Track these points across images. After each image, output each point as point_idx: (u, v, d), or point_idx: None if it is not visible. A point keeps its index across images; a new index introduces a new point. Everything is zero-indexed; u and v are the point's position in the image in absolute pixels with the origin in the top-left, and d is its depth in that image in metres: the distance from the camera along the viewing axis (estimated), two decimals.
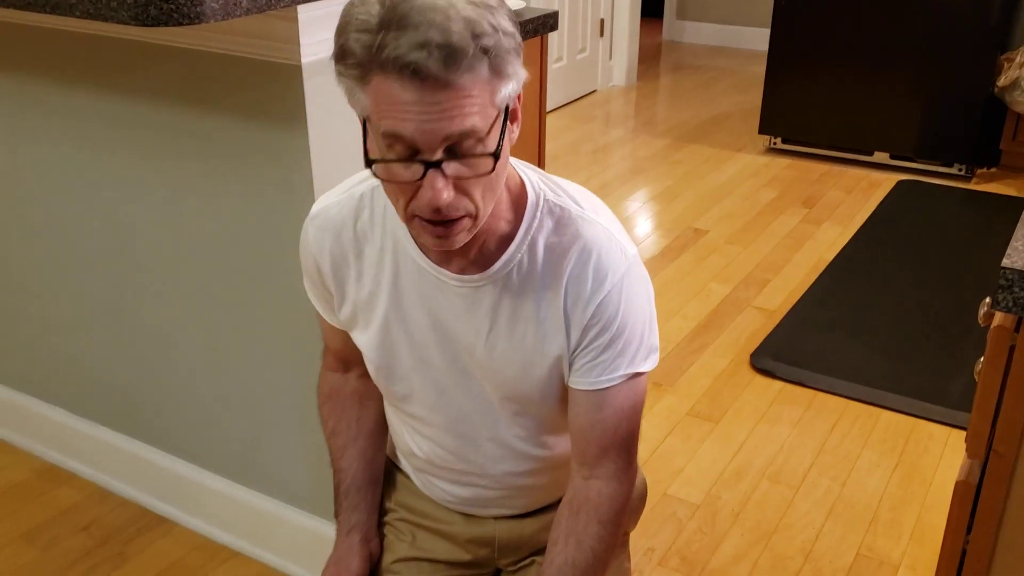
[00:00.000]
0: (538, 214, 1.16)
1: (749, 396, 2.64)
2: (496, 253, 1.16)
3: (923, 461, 2.35)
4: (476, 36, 0.95)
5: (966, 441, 1.04)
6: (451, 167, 1.01)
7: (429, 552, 1.46)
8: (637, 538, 2.09)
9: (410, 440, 1.39)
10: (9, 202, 2.11)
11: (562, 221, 1.16)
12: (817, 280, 3.29)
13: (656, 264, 3.44)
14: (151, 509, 2.17)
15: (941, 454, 2.38)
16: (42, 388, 2.31)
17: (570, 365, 1.20)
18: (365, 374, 1.41)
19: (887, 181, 4.21)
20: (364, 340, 1.29)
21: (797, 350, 2.84)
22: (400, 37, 0.94)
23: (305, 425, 1.83)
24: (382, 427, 1.44)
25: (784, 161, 4.49)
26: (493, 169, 1.03)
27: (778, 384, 2.69)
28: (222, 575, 1.99)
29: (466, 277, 1.17)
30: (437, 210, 1.02)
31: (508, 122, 1.03)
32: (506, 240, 1.16)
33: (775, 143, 4.61)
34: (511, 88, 1.01)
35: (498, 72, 0.99)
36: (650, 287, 1.21)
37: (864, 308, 3.09)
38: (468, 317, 1.20)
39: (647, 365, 1.23)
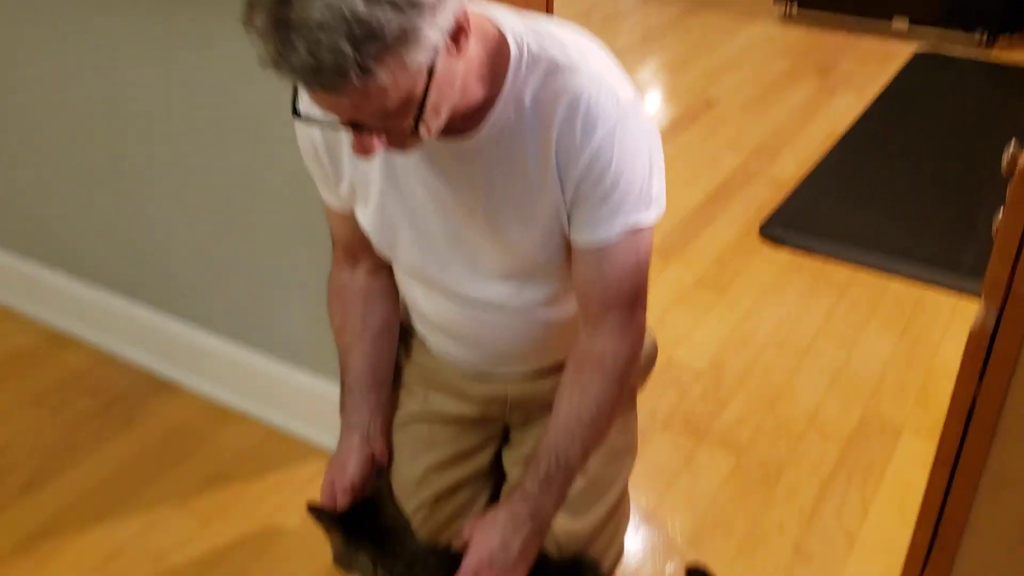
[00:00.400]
0: (522, 69, 1.10)
1: (757, 266, 2.61)
2: (481, 115, 1.12)
3: (931, 330, 2.34)
4: (353, 54, 0.90)
5: (983, 290, 1.01)
6: (374, 129, 1.01)
7: (440, 409, 1.46)
8: (641, 402, 2.08)
9: (421, 304, 1.38)
10: (4, 66, 2.05)
11: (548, 73, 1.11)
12: (830, 150, 3.22)
13: (666, 135, 3.37)
14: (157, 373, 2.18)
15: (949, 323, 2.36)
16: (46, 254, 2.29)
17: (569, 220, 1.18)
18: (373, 270, 1.39)
19: (903, 53, 4.08)
20: (365, 218, 1.28)
21: (807, 219, 2.80)
22: (286, 63, 0.91)
23: (308, 286, 1.81)
24: (389, 328, 1.42)
25: (799, 31, 4.35)
26: (416, 131, 1.01)
27: (787, 254, 2.66)
28: (229, 436, 2.01)
29: (454, 144, 1.14)
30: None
31: (431, 77, 0.98)
32: (490, 102, 1.11)
33: (790, 11, 4.45)
34: (422, 56, 0.95)
35: (395, 64, 0.93)
36: (652, 135, 1.16)
37: (877, 178, 3.03)
38: (462, 183, 1.18)
39: (648, 218, 1.19)
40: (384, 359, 1.41)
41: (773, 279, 2.55)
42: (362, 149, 1.02)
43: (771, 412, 2.07)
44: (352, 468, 1.35)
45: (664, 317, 2.40)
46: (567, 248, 1.22)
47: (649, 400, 2.11)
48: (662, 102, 3.65)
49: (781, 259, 2.64)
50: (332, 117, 1.00)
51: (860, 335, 2.32)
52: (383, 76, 0.93)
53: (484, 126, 1.12)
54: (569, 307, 1.32)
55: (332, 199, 1.32)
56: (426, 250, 1.28)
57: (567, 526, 1.40)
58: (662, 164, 1.19)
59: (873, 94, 3.66)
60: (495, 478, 1.49)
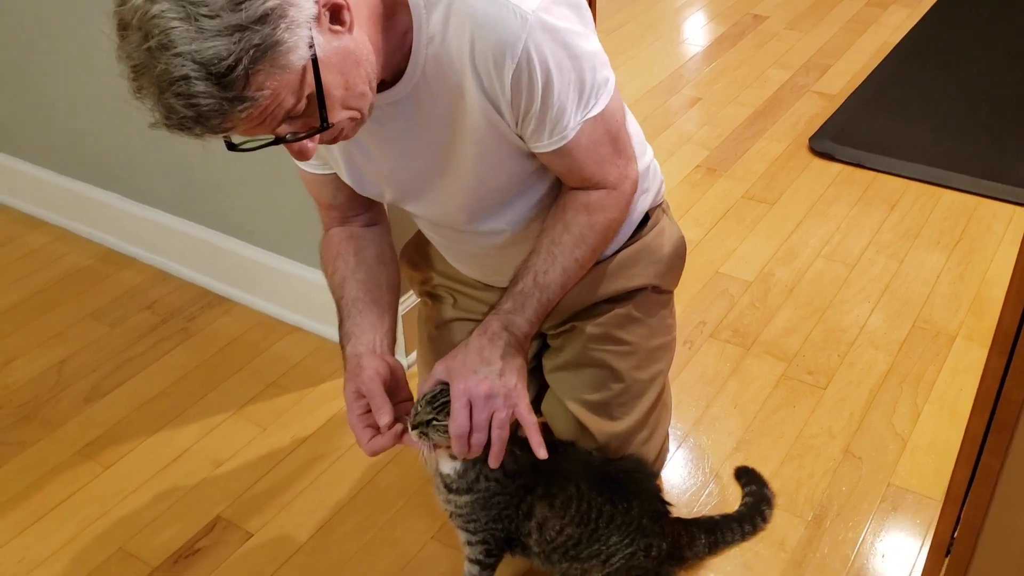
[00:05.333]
0: (422, 11, 1.08)
1: (806, 179, 2.58)
2: (401, 66, 1.12)
3: (985, 239, 2.30)
4: (221, 93, 0.90)
5: None
6: (291, 136, 1.01)
7: (472, 312, 1.48)
8: (688, 312, 2.10)
9: (431, 234, 1.41)
10: None
11: (449, 5, 1.08)
12: (881, 63, 3.14)
13: (713, 51, 3.31)
14: (211, 289, 2.22)
15: (1004, 232, 2.32)
16: (98, 175, 2.32)
17: (521, 138, 1.17)
18: (365, 224, 1.39)
19: None
20: (344, 178, 1.30)
21: (858, 132, 2.74)
22: (173, 122, 0.93)
23: None
24: (385, 263, 1.38)
25: None
26: (326, 122, 1.00)
27: (837, 167, 2.62)
28: (282, 348, 2.05)
29: (384, 100, 1.14)
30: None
31: (318, 70, 0.97)
32: (406, 51, 1.10)
33: None
34: (294, 56, 0.93)
35: (267, 78, 0.92)
36: (571, 30, 1.11)
37: (930, 90, 2.96)
38: (409, 132, 1.18)
39: (600, 104, 1.17)
40: (382, 285, 1.35)
41: (822, 192, 2.51)
42: (299, 155, 1.04)
43: (820, 322, 2.06)
44: (369, 375, 1.23)
45: (712, 230, 2.38)
46: (534, 159, 1.22)
47: (697, 311, 2.10)
48: (708, 19, 3.58)
49: (831, 173, 2.60)
50: (261, 140, 1.00)
51: (912, 247, 2.29)
52: (260, 96, 0.93)
53: (403, 77, 1.12)
54: None
55: (304, 164, 1.31)
56: (411, 197, 1.29)
57: (604, 427, 1.42)
58: (593, 46, 1.15)
59: (927, 5, 3.56)
60: (536, 385, 1.51)
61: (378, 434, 1.22)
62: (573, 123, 1.15)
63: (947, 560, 1.28)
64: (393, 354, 1.31)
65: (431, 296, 1.54)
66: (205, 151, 2.02)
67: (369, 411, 1.23)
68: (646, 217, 1.44)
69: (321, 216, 1.41)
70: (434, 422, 1.18)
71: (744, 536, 1.58)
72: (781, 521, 1.61)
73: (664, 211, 1.52)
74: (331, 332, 2.05)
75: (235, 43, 0.89)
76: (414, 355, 1.94)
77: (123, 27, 0.91)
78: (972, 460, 1.18)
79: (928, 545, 1.54)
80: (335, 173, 1.31)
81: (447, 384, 1.19)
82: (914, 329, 2.03)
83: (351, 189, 1.33)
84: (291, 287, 2.07)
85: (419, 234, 1.57)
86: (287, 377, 1.97)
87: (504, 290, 1.25)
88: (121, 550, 1.61)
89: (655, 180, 1.44)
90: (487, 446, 1.18)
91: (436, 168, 1.22)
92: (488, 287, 1.46)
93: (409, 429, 1.21)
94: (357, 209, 1.38)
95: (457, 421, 1.16)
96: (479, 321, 1.48)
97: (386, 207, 1.45)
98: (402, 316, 1.91)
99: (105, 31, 0.94)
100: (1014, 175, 2.50)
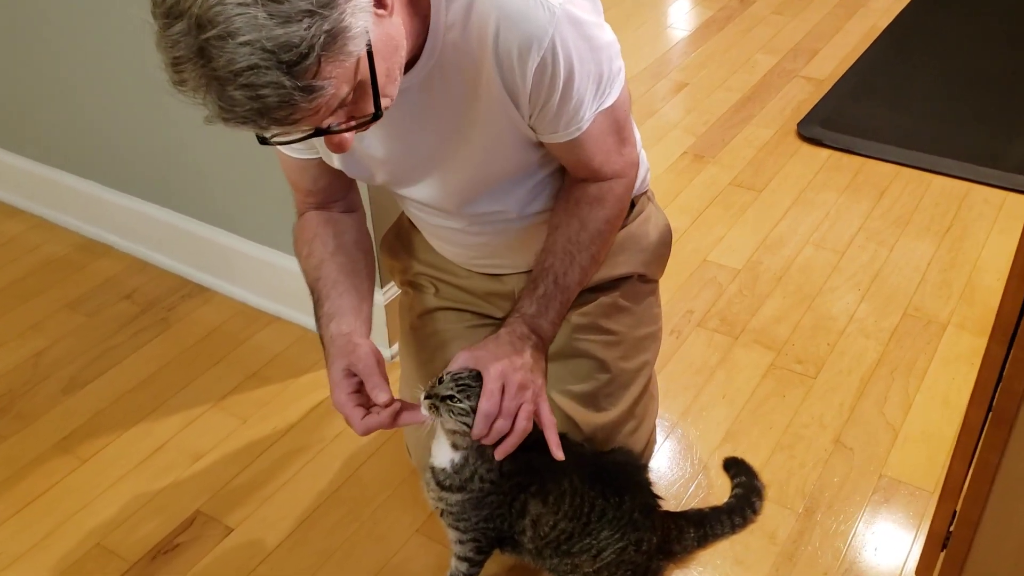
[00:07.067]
0: (443, 3, 1.05)
1: (794, 165, 2.55)
2: (415, 55, 1.09)
3: (976, 225, 2.28)
4: (292, 82, 0.85)
5: None
6: (336, 127, 0.97)
7: (455, 302, 1.46)
8: (675, 301, 2.07)
9: (415, 212, 1.37)
10: None
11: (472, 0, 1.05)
12: (870, 48, 3.12)
13: (699, 36, 3.28)
14: (190, 278, 2.18)
15: (996, 218, 2.30)
16: (76, 163, 2.27)
17: (533, 129, 1.16)
18: (345, 210, 1.36)
19: None
20: (334, 164, 1.26)
21: (847, 117, 2.72)
22: (232, 116, 0.87)
23: None
24: (363, 251, 1.34)
25: None
26: (378, 109, 0.96)
27: (825, 152, 2.59)
28: (263, 338, 2.01)
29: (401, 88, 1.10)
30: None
31: (372, 58, 0.94)
32: (423, 35, 1.07)
33: None
34: (354, 45, 0.89)
35: (334, 67, 0.88)
36: (592, 22, 1.11)
37: (920, 74, 2.93)
38: (414, 122, 1.15)
39: (613, 94, 1.18)
40: (361, 272, 1.31)
41: (811, 179, 2.49)
42: (337, 148, 0.99)
43: (810, 310, 2.04)
44: (362, 357, 1.18)
45: (699, 218, 2.35)
46: (539, 149, 1.21)
47: (685, 300, 2.08)
48: (694, 3, 3.54)
49: (819, 159, 2.57)
50: (299, 132, 0.96)
51: (902, 233, 2.27)
52: (328, 85, 0.88)
53: (417, 63, 1.09)
54: (554, 198, 1.31)
55: (287, 149, 1.27)
56: (405, 183, 1.26)
57: (590, 419, 1.39)
58: (609, 35, 1.16)
59: None
60: None
61: (370, 413, 1.17)
62: (588, 115, 1.15)
63: (943, 554, 1.26)
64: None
65: (412, 286, 1.51)
66: (181, 136, 1.98)
67: (358, 391, 1.18)
68: (631, 205, 1.41)
69: (296, 201, 1.37)
70: (454, 399, 1.15)
71: (734, 529, 1.56)
72: (771, 513, 1.59)
73: (649, 199, 1.49)
74: (312, 322, 2.01)
75: (305, 29, 0.84)
76: (396, 347, 1.90)
77: (173, 15, 0.84)
78: (969, 452, 1.16)
79: (921, 537, 1.52)
80: (319, 158, 1.27)
81: (472, 371, 1.16)
82: (905, 317, 2.01)
83: (332, 175, 1.30)
84: (272, 276, 2.02)
85: (400, 222, 1.53)
86: (268, 368, 1.93)
87: (522, 291, 1.24)
88: (99, 546, 1.57)
89: (641, 167, 1.42)
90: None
91: (438, 156, 1.20)
92: (472, 273, 1.43)
93: (421, 399, 1.17)
94: (336, 195, 1.35)
95: (492, 400, 1.12)
96: (462, 311, 1.46)
97: (368, 191, 1.42)
98: (385, 307, 1.87)
99: (143, 18, 0.88)
100: (1005, 160, 2.48)
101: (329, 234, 1.31)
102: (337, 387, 1.18)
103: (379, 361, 1.19)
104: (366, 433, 1.18)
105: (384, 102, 0.98)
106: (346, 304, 1.25)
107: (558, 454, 1.16)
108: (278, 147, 1.26)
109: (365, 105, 0.96)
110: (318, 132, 0.96)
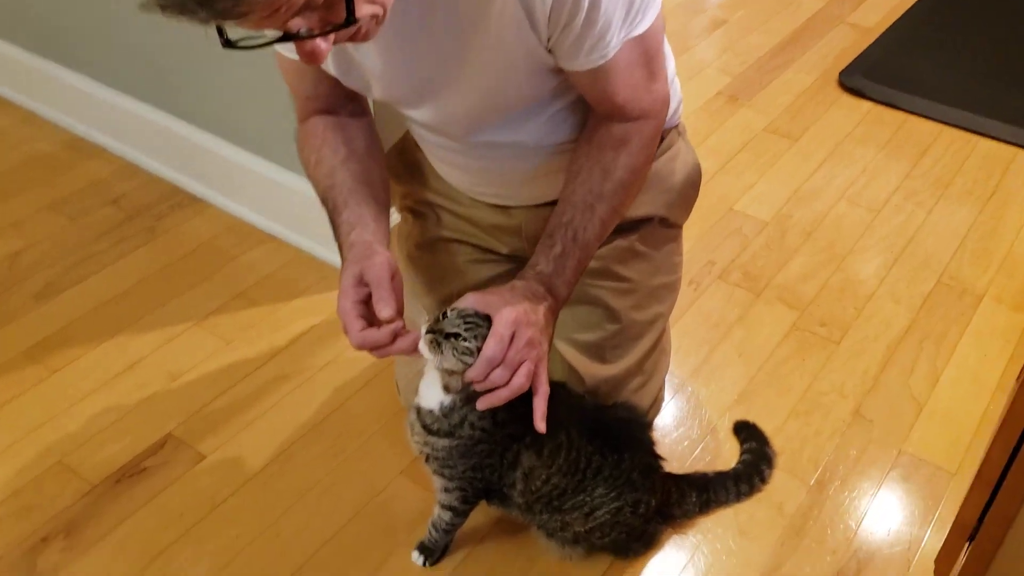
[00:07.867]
0: None
1: (834, 115, 2.40)
2: None
3: (1022, 193, 2.13)
4: None
5: None
6: (305, 32, 0.83)
7: (457, 232, 1.35)
8: (697, 251, 1.94)
9: (419, 132, 1.25)
10: None
11: None
12: None
13: None
14: (182, 187, 2.06)
15: None
16: (69, 55, 2.13)
17: (551, 52, 1.03)
18: (352, 115, 1.23)
19: None
20: (329, 68, 1.14)
21: (892, 69, 2.55)
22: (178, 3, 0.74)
23: None
24: (376, 156, 1.23)
25: None
26: (352, 16, 0.82)
27: (867, 105, 2.43)
28: (255, 256, 1.89)
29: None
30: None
31: None
32: None
33: None
34: None
35: None
36: None
37: (972, 29, 2.76)
38: (417, 36, 1.03)
39: (645, 22, 1.05)
40: (376, 181, 1.20)
41: (850, 131, 2.34)
42: (309, 58, 0.85)
43: (838, 270, 1.91)
44: (377, 272, 1.08)
45: (729, 163, 2.21)
46: (557, 76, 1.09)
47: (706, 249, 1.95)
48: None
49: (860, 111, 2.41)
50: (265, 35, 0.83)
51: (942, 196, 2.12)
52: None
53: None
54: (573, 129, 1.18)
55: (282, 49, 1.13)
56: (403, 102, 1.15)
57: (594, 371, 1.29)
58: None
59: None
60: None
61: (371, 327, 1.06)
62: (615, 41, 1.02)
63: (969, 547, 1.14)
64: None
65: (413, 213, 1.39)
66: (174, 33, 1.84)
67: (364, 302, 1.07)
68: (660, 139, 1.27)
69: (296, 107, 1.24)
70: (460, 337, 1.05)
71: (739, 496, 1.45)
72: (780, 483, 1.48)
73: (680, 134, 1.36)
74: (309, 244, 1.89)
75: None
76: None
77: None
78: (1012, 440, 1.04)
79: (939, 521, 1.42)
80: None
81: (480, 312, 1.06)
82: (939, 285, 1.88)
83: (334, 80, 1.17)
84: (270, 192, 1.90)
85: (405, 141, 1.40)
86: (257, 288, 1.82)
87: (538, 245, 1.13)
88: (60, 463, 1.48)
89: (673, 99, 1.28)
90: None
91: (439, 80, 1.07)
92: (476, 202, 1.30)
93: (423, 332, 1.07)
94: (340, 100, 1.22)
95: (500, 345, 1.02)
96: (463, 243, 1.34)
97: (373, 105, 1.29)
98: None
99: None
100: None
101: (339, 140, 1.19)
102: (344, 294, 1.08)
103: (394, 275, 1.08)
104: (361, 347, 1.07)
105: (368, 9, 0.86)
106: (367, 213, 1.15)
107: (541, 426, 1.08)
108: (276, 47, 1.13)
109: (340, 9, 0.83)
110: (286, 37, 0.83)
